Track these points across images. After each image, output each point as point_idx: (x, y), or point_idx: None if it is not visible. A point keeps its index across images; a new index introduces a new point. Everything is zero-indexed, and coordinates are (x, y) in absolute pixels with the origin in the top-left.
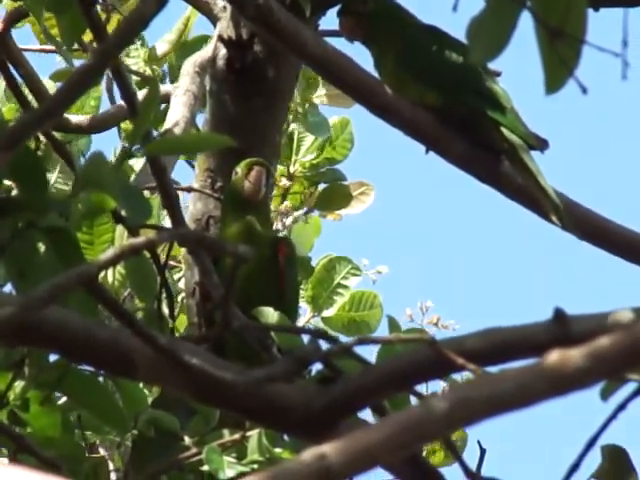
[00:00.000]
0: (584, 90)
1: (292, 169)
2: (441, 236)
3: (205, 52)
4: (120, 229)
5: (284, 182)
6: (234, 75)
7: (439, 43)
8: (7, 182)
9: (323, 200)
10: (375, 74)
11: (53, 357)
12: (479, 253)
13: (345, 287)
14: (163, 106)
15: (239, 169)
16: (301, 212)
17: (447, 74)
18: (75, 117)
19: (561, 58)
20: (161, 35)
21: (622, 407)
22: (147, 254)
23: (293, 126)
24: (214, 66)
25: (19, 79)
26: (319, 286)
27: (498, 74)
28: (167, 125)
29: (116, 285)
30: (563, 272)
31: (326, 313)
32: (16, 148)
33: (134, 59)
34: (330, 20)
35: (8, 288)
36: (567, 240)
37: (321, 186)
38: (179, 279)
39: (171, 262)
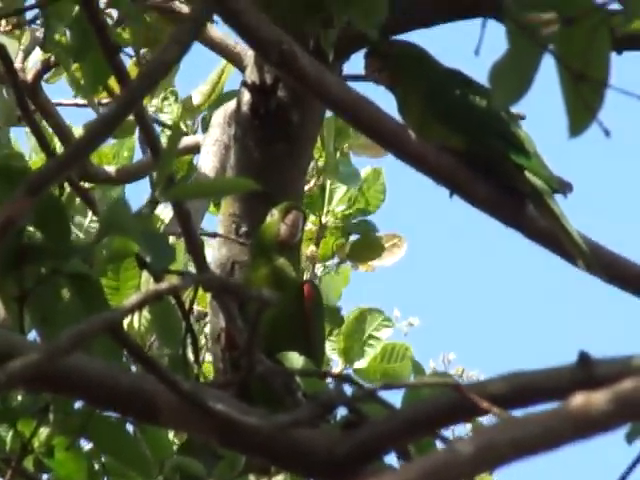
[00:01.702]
0: (607, 133)
1: (324, 219)
2: (469, 285)
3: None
4: (146, 275)
5: (310, 226)
6: (258, 120)
7: (463, 87)
8: (31, 228)
9: (355, 251)
10: (399, 118)
11: (78, 403)
12: (506, 300)
13: (376, 338)
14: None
15: (275, 211)
16: (332, 262)
17: (471, 118)
18: (105, 168)
19: (584, 101)
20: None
21: None
22: (172, 300)
23: (324, 176)
24: (239, 112)
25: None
26: (350, 338)
27: (522, 117)
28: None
29: (142, 330)
30: (589, 315)
31: (358, 364)
32: (39, 195)
33: (167, 114)
34: (354, 64)
35: (32, 335)
36: (593, 283)
37: (353, 237)
38: (204, 325)
39: (200, 308)
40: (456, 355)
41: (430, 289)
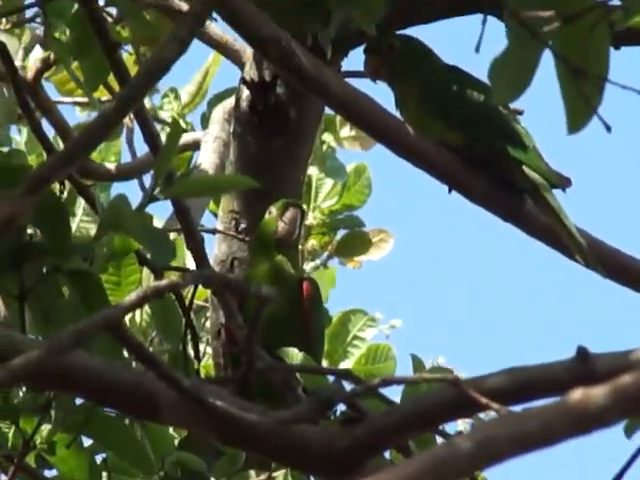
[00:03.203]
0: (608, 128)
1: (311, 215)
2: (458, 280)
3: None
4: (147, 270)
5: (309, 222)
6: (257, 117)
7: (462, 83)
8: (31, 227)
9: (342, 247)
10: (398, 115)
11: (79, 400)
12: (499, 297)
13: (361, 339)
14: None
15: (274, 208)
16: (320, 259)
17: (470, 114)
18: (106, 164)
19: (584, 97)
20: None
21: None
22: (172, 296)
23: (310, 169)
24: (238, 108)
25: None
26: (335, 340)
27: (520, 112)
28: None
29: (144, 326)
30: (587, 310)
31: (342, 366)
32: (40, 193)
33: (167, 112)
34: (352, 61)
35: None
36: (591, 278)
37: (340, 233)
38: (204, 319)
39: (200, 303)
40: (443, 355)
41: (417, 285)
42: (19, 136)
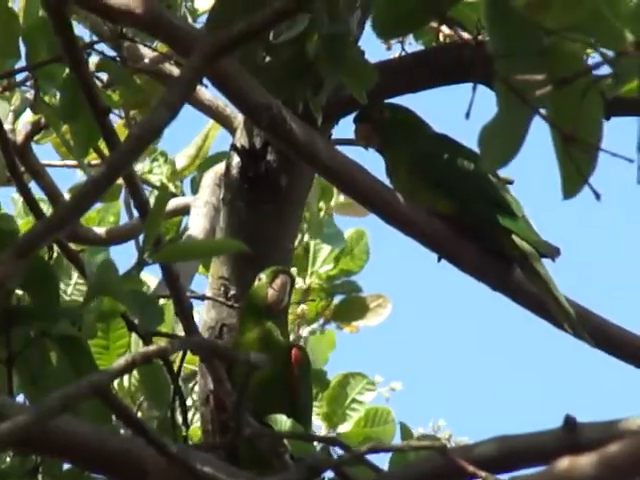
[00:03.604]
0: (598, 196)
1: (308, 281)
2: (454, 347)
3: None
4: (135, 335)
5: (301, 284)
6: (247, 183)
7: (452, 152)
8: (19, 291)
9: (339, 312)
10: (388, 183)
11: (67, 465)
12: (492, 364)
13: (360, 402)
14: (184, 218)
15: (263, 276)
16: (318, 324)
17: (460, 182)
18: (95, 229)
19: (576, 165)
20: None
21: None
22: (160, 362)
23: (308, 236)
24: (228, 174)
25: (37, 192)
26: (334, 403)
27: (510, 182)
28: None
29: (132, 390)
30: (576, 379)
31: (341, 429)
32: (28, 257)
33: (157, 175)
34: (342, 129)
35: (21, 397)
36: (580, 348)
37: (337, 298)
38: (193, 385)
39: (189, 366)
40: (443, 418)
41: (414, 350)
42: (12, 198)
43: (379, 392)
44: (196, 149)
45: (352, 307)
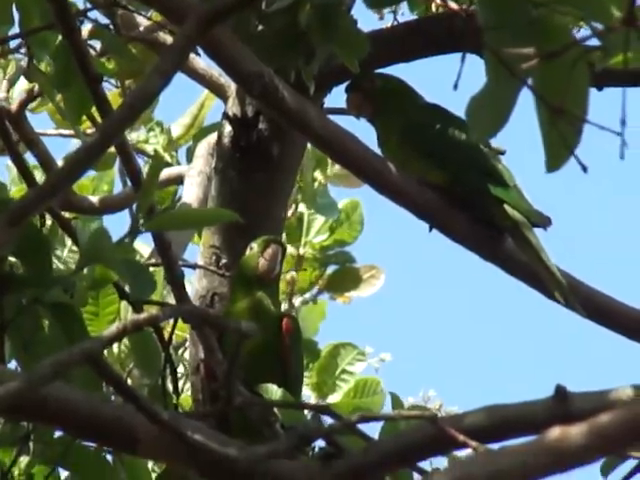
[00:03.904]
0: (584, 169)
1: (302, 251)
2: (446, 317)
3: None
4: (125, 302)
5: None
6: (239, 152)
7: (443, 121)
8: (12, 259)
9: (332, 282)
10: (379, 152)
11: (58, 433)
12: (484, 334)
13: (350, 373)
14: (179, 188)
15: (255, 245)
16: (310, 294)
17: (451, 152)
18: (89, 197)
19: (562, 137)
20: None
21: None
22: (151, 330)
23: (302, 206)
24: (220, 143)
25: (31, 160)
26: (324, 373)
27: (502, 152)
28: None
29: (122, 357)
30: (566, 350)
31: (331, 399)
32: (21, 225)
33: (153, 145)
34: (335, 98)
35: (13, 364)
36: (571, 318)
37: (331, 268)
38: (183, 353)
39: (179, 333)
40: (433, 388)
41: (406, 321)
42: (6, 166)
43: (369, 363)
44: (191, 118)
45: (345, 278)
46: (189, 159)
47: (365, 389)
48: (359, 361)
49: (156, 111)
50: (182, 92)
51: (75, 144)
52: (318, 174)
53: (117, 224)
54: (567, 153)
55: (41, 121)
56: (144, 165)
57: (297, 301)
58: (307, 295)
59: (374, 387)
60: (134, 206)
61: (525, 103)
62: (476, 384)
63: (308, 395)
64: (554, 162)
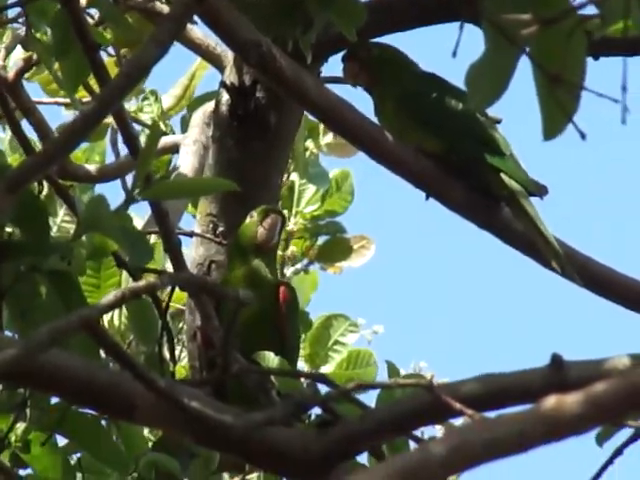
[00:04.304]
0: (583, 136)
1: (293, 221)
2: (438, 288)
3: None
4: (126, 274)
5: (291, 227)
6: (237, 121)
7: (440, 90)
8: (9, 227)
9: (323, 253)
10: (376, 121)
11: (55, 399)
12: (477, 304)
13: (342, 344)
14: (174, 156)
15: (255, 213)
16: (301, 264)
17: (448, 121)
18: (86, 166)
19: (560, 104)
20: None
21: (619, 452)
22: (149, 298)
23: (293, 176)
24: (217, 112)
25: (27, 128)
26: (316, 344)
27: (499, 121)
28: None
29: (122, 328)
30: (563, 319)
31: (324, 370)
32: (18, 192)
33: (148, 114)
34: (332, 66)
35: (10, 333)
36: (567, 287)
37: (321, 238)
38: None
39: (177, 306)
40: (425, 360)
41: (397, 292)
42: (3, 133)
43: (361, 334)
44: (182, 89)
45: (336, 248)
46: (183, 129)
47: (358, 361)
48: (351, 332)
49: (150, 81)
50: (172, 62)
51: (69, 114)
52: (310, 143)
53: (109, 194)
54: (565, 120)
55: (36, 90)
56: (139, 134)
57: (288, 271)
58: (298, 265)
59: (367, 359)
60: (129, 175)
61: (523, 71)
62: (469, 355)
63: (301, 366)
64: (552, 130)
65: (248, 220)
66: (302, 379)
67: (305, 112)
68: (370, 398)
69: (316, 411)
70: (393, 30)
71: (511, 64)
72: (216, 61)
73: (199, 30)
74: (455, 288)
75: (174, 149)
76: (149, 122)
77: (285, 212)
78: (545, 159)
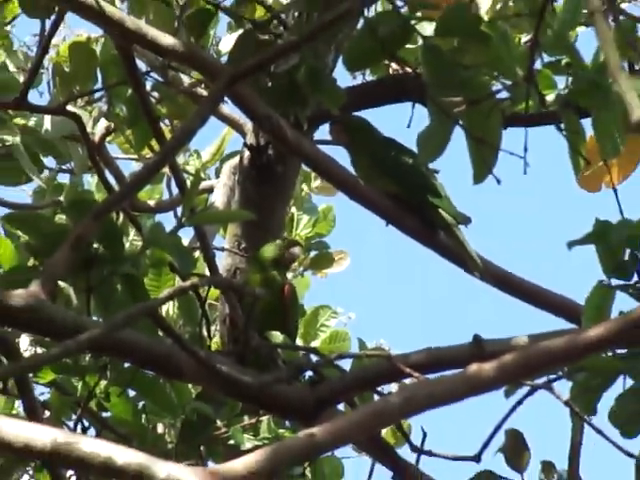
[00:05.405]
0: (498, 181)
1: None
2: (395, 287)
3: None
4: (177, 277)
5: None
6: (255, 171)
7: (398, 150)
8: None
9: (314, 263)
10: (352, 171)
11: (127, 364)
12: (421, 299)
13: (327, 326)
14: (210, 195)
15: (280, 241)
16: (298, 271)
17: (403, 172)
18: (148, 201)
19: (483, 159)
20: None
21: (520, 403)
22: (193, 294)
23: (293, 209)
24: (241, 164)
25: (108, 176)
26: (308, 326)
27: (436, 171)
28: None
29: (174, 317)
30: (482, 309)
31: (313, 344)
32: (102, 220)
33: (192, 166)
34: (321, 132)
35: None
36: (486, 288)
37: (312, 253)
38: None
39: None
40: (384, 338)
41: (366, 289)
42: (92, 179)
43: (340, 319)
44: (216, 148)
45: (322, 259)
46: (217, 176)
47: (337, 338)
48: (333, 318)
49: (191, 143)
50: (209, 129)
51: (134, 167)
52: (304, 186)
53: (165, 221)
54: (487, 171)
55: (113, 150)
56: (186, 179)
57: (290, 276)
58: (296, 272)
59: (343, 336)
60: (179, 208)
61: (457, 136)
62: (416, 335)
63: (298, 342)
64: (479, 176)
65: (272, 243)
66: (299, 351)
67: (302, 164)
68: (346, 364)
69: (309, 374)
70: (367, 107)
71: (449, 131)
72: (240, 129)
73: (228, 107)
74: (405, 288)
75: (210, 190)
76: (193, 171)
77: (287, 234)
78: (473, 198)
